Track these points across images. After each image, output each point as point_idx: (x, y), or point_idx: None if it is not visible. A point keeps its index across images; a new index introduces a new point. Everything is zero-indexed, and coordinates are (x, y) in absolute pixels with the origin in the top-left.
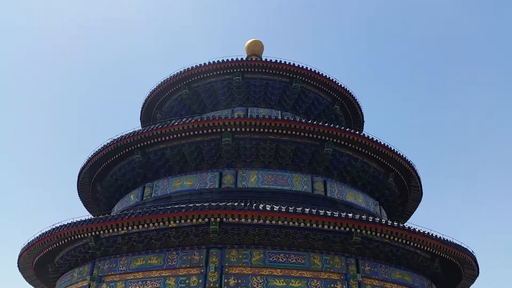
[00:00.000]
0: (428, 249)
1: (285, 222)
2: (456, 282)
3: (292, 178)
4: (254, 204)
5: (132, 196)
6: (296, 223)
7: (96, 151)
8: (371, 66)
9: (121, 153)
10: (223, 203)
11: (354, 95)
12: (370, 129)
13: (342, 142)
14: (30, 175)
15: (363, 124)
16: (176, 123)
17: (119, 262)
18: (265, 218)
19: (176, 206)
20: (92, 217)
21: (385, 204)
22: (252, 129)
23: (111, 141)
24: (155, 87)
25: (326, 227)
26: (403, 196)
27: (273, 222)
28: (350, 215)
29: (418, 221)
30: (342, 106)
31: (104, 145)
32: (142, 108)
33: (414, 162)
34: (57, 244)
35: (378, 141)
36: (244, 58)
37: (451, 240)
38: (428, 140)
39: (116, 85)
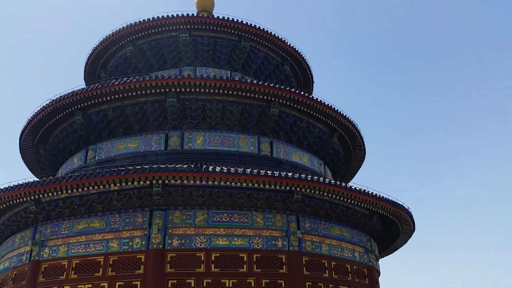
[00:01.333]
0: (366, 206)
1: (228, 183)
2: (395, 237)
3: (239, 139)
4: (198, 166)
5: (75, 159)
6: (239, 184)
7: (36, 112)
8: (325, 29)
9: (62, 114)
10: (165, 165)
11: (303, 56)
12: (321, 92)
13: (288, 103)
14: None
15: (312, 85)
16: (117, 83)
17: (61, 226)
18: (207, 179)
19: (118, 169)
20: (35, 180)
21: (330, 163)
22: (198, 90)
23: (50, 101)
24: (97, 43)
25: (268, 186)
26: (347, 155)
27: (216, 183)
28: (290, 174)
29: (364, 181)
30: (292, 67)
31: (43, 106)
32: (85, 66)
33: (360, 124)
34: None
35: (323, 102)
36: (194, 14)
37: (387, 197)
38: (376, 102)
39: (64, 40)
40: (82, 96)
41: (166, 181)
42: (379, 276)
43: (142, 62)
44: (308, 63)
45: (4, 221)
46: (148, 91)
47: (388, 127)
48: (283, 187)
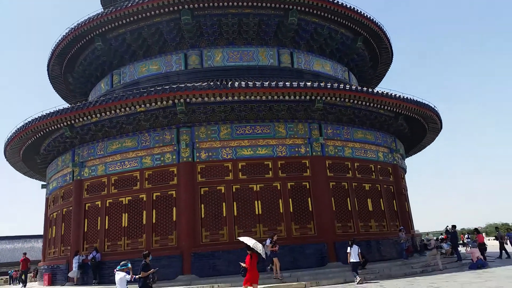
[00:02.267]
0: (389, 108)
1: (248, 97)
2: (422, 136)
3: (258, 53)
4: (217, 83)
5: (102, 85)
6: (259, 97)
7: (57, 42)
8: None
9: (83, 41)
10: (184, 84)
11: None
12: None
13: (307, 10)
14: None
15: None
16: (130, 5)
17: (97, 147)
18: (227, 95)
19: (140, 91)
20: (65, 107)
21: (355, 69)
22: (211, 4)
23: (69, 30)
24: None
25: (287, 97)
26: (373, 59)
27: (236, 98)
28: (309, 84)
29: (393, 84)
30: None
31: (63, 35)
32: None
33: (384, 25)
34: (36, 137)
35: (344, 5)
36: None
37: (412, 98)
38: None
39: None
40: (98, 21)
41: (188, 100)
42: (405, 173)
43: None
44: None
45: (45, 147)
46: (162, 10)
47: (419, 27)
48: (303, 97)
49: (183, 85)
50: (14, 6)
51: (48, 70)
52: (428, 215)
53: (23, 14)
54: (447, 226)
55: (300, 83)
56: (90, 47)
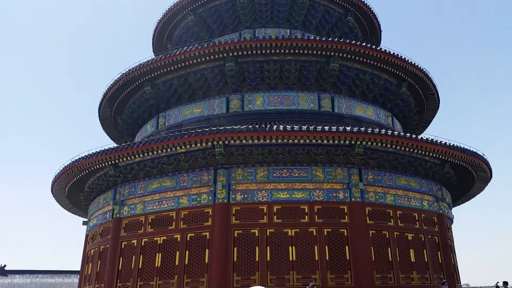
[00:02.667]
0: (434, 155)
1: (286, 140)
2: (470, 185)
3: (298, 97)
4: (255, 126)
5: (148, 126)
6: (296, 140)
7: (109, 86)
8: None
9: (133, 86)
10: (223, 127)
11: (367, 4)
12: (392, 40)
13: (349, 56)
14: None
15: (380, 34)
16: (178, 52)
17: (137, 186)
18: (264, 138)
19: (181, 132)
20: (112, 147)
21: (399, 115)
22: (254, 52)
23: (121, 75)
24: (161, 16)
25: (325, 141)
26: (418, 105)
27: (274, 141)
28: (348, 128)
29: (441, 131)
30: (356, 17)
31: (115, 80)
32: (152, 39)
33: (431, 71)
34: (81, 174)
35: (387, 51)
36: None
37: (458, 145)
38: (446, 51)
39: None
40: (148, 67)
41: (226, 142)
42: (451, 223)
43: (203, 30)
44: (373, 11)
45: (89, 185)
46: (207, 58)
47: (465, 73)
48: (342, 142)
49: (222, 128)
50: (75, 51)
51: (99, 112)
52: (478, 268)
53: (83, 58)
54: (497, 282)
55: (339, 127)
56: (140, 91)
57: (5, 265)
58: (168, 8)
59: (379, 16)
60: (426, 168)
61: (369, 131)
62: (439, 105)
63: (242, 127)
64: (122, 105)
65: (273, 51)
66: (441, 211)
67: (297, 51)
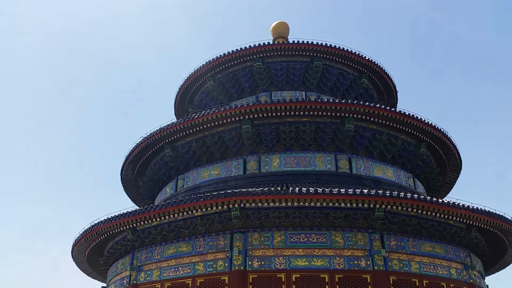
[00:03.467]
0: (459, 219)
1: (302, 203)
2: (503, 252)
3: (315, 158)
4: (270, 188)
5: (168, 189)
6: (313, 203)
7: (131, 149)
8: (404, 45)
9: (154, 149)
10: (239, 189)
11: (381, 66)
12: (406, 100)
13: (364, 117)
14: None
15: (396, 95)
16: (196, 116)
17: (154, 251)
18: (280, 201)
19: (197, 196)
20: (129, 211)
21: (421, 176)
22: (270, 114)
23: (142, 139)
24: (182, 82)
25: (343, 205)
26: (440, 166)
27: (290, 204)
28: (366, 191)
29: (466, 193)
30: (370, 79)
31: (137, 144)
32: (174, 103)
33: (454, 131)
34: (100, 238)
35: (402, 112)
36: (267, 43)
37: (483, 208)
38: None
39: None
40: (168, 131)
41: (242, 205)
42: None
43: (222, 94)
44: (387, 72)
45: (108, 249)
46: (225, 121)
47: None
48: (360, 205)
49: (237, 190)
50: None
51: (121, 174)
52: None
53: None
54: None
55: (357, 190)
56: (160, 154)
57: None
58: (189, 74)
59: (395, 77)
60: (451, 233)
61: (388, 194)
62: (461, 165)
63: (258, 190)
64: (144, 167)
65: (287, 113)
66: (471, 280)
67: (312, 112)
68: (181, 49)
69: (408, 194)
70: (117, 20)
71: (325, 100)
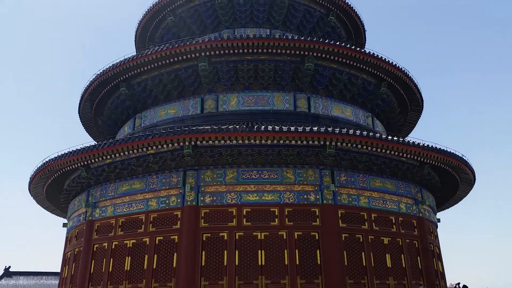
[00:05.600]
0: (410, 156)
1: (253, 141)
2: (455, 188)
3: (273, 97)
4: (220, 127)
5: (126, 128)
6: (264, 141)
7: (85, 87)
8: None
9: (109, 86)
10: (195, 127)
11: (348, 2)
12: (377, 38)
13: (324, 56)
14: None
15: (364, 34)
16: (150, 52)
17: (108, 188)
18: (230, 139)
19: (153, 132)
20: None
21: (381, 115)
22: (227, 51)
23: (96, 76)
24: (141, 17)
25: (294, 142)
26: (402, 106)
27: (241, 142)
28: (315, 128)
29: (430, 134)
30: (338, 17)
31: (91, 81)
32: (134, 40)
33: (416, 71)
34: (55, 175)
35: (362, 51)
36: None
37: (434, 146)
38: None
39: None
40: (121, 68)
41: (193, 143)
42: (436, 228)
43: (184, 30)
44: (355, 10)
45: (66, 187)
46: (180, 58)
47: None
48: (310, 142)
49: (188, 128)
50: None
51: (79, 113)
52: (482, 271)
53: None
54: (459, 283)
55: (310, 127)
56: (116, 92)
57: (9, 267)
58: (148, 8)
59: (364, 15)
60: (403, 170)
61: (337, 131)
62: (423, 105)
63: (208, 127)
64: (101, 106)
65: (245, 50)
66: (421, 214)
67: (270, 50)
68: None
69: (357, 131)
70: None
71: (284, 37)
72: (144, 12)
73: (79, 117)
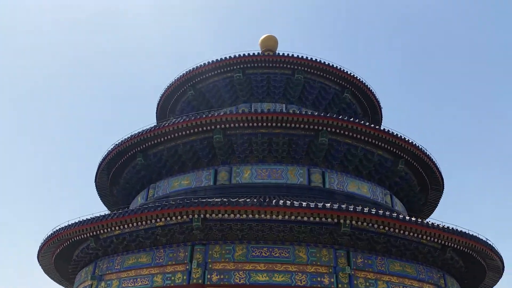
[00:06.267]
0: (430, 238)
1: (264, 216)
2: (482, 275)
3: (287, 171)
4: (230, 200)
5: (139, 198)
6: (274, 216)
7: (103, 156)
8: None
9: (126, 156)
10: (199, 199)
11: (363, 81)
12: (391, 117)
13: (338, 131)
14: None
15: (380, 110)
16: (167, 124)
17: (115, 261)
18: (240, 212)
19: (162, 204)
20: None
21: (400, 193)
22: (241, 124)
23: (114, 146)
24: (163, 91)
25: (306, 218)
26: (421, 184)
27: (251, 216)
28: (327, 204)
29: (449, 215)
30: (353, 94)
31: (109, 151)
32: (156, 112)
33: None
34: (64, 245)
35: (377, 127)
36: (247, 54)
37: (456, 229)
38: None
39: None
40: (139, 138)
41: (202, 216)
42: None
43: (202, 104)
44: (370, 88)
45: (74, 258)
46: (196, 130)
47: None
48: (324, 219)
49: (198, 200)
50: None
51: (95, 182)
52: None
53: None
54: None
55: (322, 203)
56: (133, 162)
57: None
58: (170, 83)
59: (379, 93)
60: (424, 253)
61: (351, 209)
62: (443, 184)
63: (218, 200)
64: (117, 176)
65: (260, 124)
66: None
67: (284, 124)
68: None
69: (373, 210)
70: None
71: (298, 112)
72: (166, 86)
73: (95, 186)
